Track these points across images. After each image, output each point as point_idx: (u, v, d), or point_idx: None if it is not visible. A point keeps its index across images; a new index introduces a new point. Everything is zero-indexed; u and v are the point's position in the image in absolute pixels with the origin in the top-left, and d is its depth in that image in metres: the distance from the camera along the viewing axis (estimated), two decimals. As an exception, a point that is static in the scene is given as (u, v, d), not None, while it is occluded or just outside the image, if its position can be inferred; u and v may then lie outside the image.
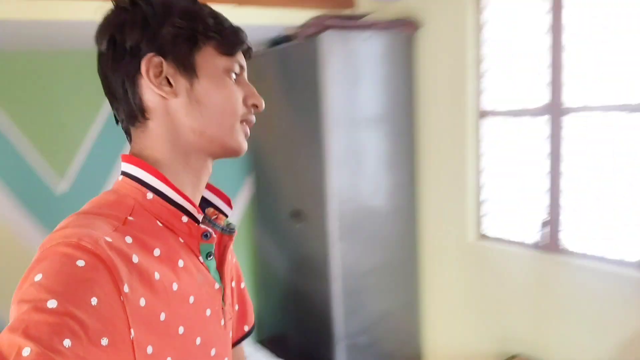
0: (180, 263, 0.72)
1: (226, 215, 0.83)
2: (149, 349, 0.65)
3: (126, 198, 0.72)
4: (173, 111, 0.73)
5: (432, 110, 2.81)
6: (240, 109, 0.77)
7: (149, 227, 0.71)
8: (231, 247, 0.82)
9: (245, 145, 0.78)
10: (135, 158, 0.74)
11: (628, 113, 1.99)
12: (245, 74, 0.79)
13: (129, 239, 0.67)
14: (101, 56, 0.74)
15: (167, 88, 0.72)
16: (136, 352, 0.63)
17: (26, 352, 0.53)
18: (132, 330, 0.63)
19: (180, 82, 0.72)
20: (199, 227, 0.75)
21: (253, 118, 0.79)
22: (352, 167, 2.71)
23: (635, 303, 1.87)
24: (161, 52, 0.71)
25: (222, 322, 0.79)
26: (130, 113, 0.74)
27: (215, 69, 0.74)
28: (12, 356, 0.52)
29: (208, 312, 0.75)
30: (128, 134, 0.77)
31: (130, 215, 0.70)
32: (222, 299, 0.79)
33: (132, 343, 0.63)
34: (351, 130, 2.68)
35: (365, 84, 2.70)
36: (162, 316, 0.66)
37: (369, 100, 2.73)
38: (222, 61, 0.75)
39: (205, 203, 0.83)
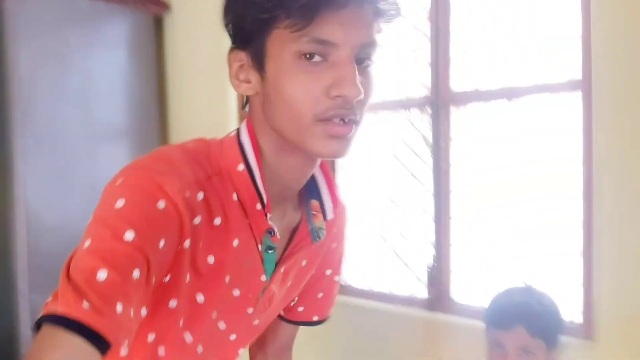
0: (235, 242, 0.73)
1: (325, 218, 0.80)
2: (200, 298, 0.72)
3: (222, 158, 0.73)
4: (257, 106, 0.72)
5: (186, 112, 2.42)
6: (316, 104, 0.65)
7: (224, 196, 0.71)
8: (312, 252, 0.83)
9: (333, 148, 0.68)
10: (252, 125, 0.74)
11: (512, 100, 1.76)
12: (341, 51, 0.64)
13: (200, 195, 0.68)
14: None
15: (245, 85, 0.71)
16: (185, 260, 0.69)
17: (102, 275, 0.57)
18: (169, 276, 0.68)
19: (255, 77, 0.69)
20: (266, 222, 0.73)
21: (344, 112, 0.65)
22: (63, 192, 2.17)
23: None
24: (241, 44, 0.69)
25: (251, 310, 0.80)
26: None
27: (282, 55, 0.65)
28: (88, 276, 0.57)
29: (236, 292, 0.77)
30: None
31: (215, 175, 0.71)
32: (262, 292, 0.79)
33: (184, 252, 0.68)
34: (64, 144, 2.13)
35: (91, 78, 2.21)
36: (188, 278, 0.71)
37: (99, 102, 2.24)
38: (291, 42, 0.64)
39: (314, 195, 0.81)
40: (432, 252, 1.40)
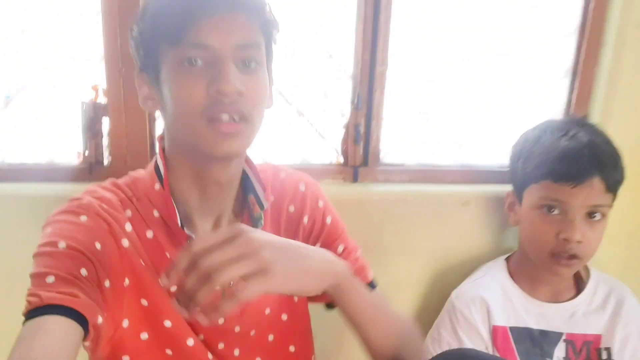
0: (168, 254, 0.76)
1: (262, 207, 0.81)
2: (143, 302, 0.74)
3: (139, 182, 0.79)
4: (164, 119, 0.76)
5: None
6: (199, 103, 0.68)
7: (147, 214, 0.76)
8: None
9: (225, 146, 0.69)
10: (161, 146, 0.78)
11: None
12: (218, 52, 0.68)
13: (128, 212, 0.75)
14: None
15: (149, 102, 0.76)
16: (126, 300, 0.72)
17: (50, 279, 0.62)
18: (126, 279, 0.72)
19: (156, 94, 0.74)
20: (183, 232, 0.76)
21: (224, 107, 0.68)
22: None
23: None
24: (142, 67, 0.75)
25: (222, 321, 0.79)
26: None
27: (168, 65, 0.70)
28: (38, 282, 0.62)
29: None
30: None
31: (135, 198, 0.76)
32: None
33: (125, 291, 0.72)
34: None
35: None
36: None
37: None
38: (174, 52, 0.69)
39: (249, 188, 0.82)
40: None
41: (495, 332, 1.03)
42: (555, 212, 0.98)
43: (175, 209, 0.76)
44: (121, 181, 0.80)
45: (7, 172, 1.08)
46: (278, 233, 0.86)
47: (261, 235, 0.64)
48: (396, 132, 1.20)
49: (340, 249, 0.88)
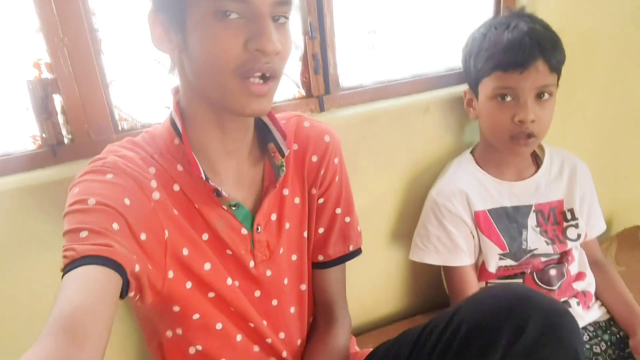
0: (197, 205, 0.77)
1: (282, 155, 0.81)
2: (185, 251, 0.76)
3: (157, 138, 0.78)
4: (182, 66, 0.72)
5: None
6: (233, 59, 0.66)
7: (170, 169, 0.76)
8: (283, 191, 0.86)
9: (254, 106, 0.70)
10: (175, 100, 0.78)
11: None
12: (257, 7, 0.66)
13: (152, 170, 0.75)
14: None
15: (168, 45, 0.71)
16: (168, 252, 0.74)
17: (83, 234, 0.62)
18: (166, 231, 0.73)
19: (176, 38, 0.69)
20: (209, 184, 0.75)
21: (261, 66, 0.67)
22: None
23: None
24: (160, 6, 0.70)
25: (252, 264, 0.82)
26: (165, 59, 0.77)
27: (200, 14, 0.66)
28: (72, 239, 0.62)
29: (229, 252, 0.80)
30: None
31: (157, 154, 0.76)
32: (252, 243, 0.81)
33: (166, 243, 0.73)
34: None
35: None
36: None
37: None
38: (203, 3, 0.65)
39: (269, 137, 0.83)
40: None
41: (477, 217, 1.15)
42: (508, 98, 1.08)
43: (198, 163, 0.76)
44: (139, 139, 0.80)
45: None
46: (302, 180, 0.89)
47: None
48: (349, 55, 1.22)
49: (338, 210, 0.93)
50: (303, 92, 1.20)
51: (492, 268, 1.14)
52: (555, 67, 1.08)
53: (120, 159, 0.73)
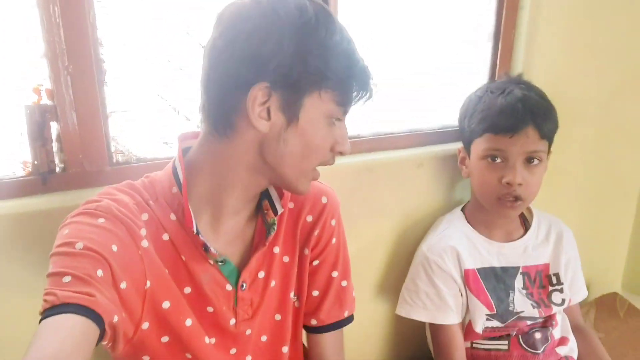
0: (183, 257, 0.76)
1: (275, 213, 0.83)
2: (165, 304, 0.74)
3: (156, 185, 0.78)
4: (253, 139, 0.73)
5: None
6: (325, 156, 0.76)
7: (163, 217, 0.76)
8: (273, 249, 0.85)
9: (309, 189, 0.79)
10: (181, 148, 0.79)
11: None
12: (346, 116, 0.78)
13: (145, 216, 0.74)
14: (214, 44, 0.71)
15: (262, 121, 0.71)
16: (147, 303, 0.72)
17: (66, 279, 0.62)
18: (147, 282, 0.72)
19: (279, 119, 0.71)
20: (198, 238, 0.75)
21: (333, 162, 0.79)
22: None
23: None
24: (275, 85, 0.69)
25: (233, 322, 0.81)
26: (214, 117, 0.74)
27: (318, 114, 0.72)
28: (55, 283, 0.61)
29: (210, 309, 0.79)
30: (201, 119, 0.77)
31: (152, 200, 0.76)
32: (235, 300, 0.80)
33: (146, 293, 0.72)
34: None
35: None
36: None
37: None
38: (330, 108, 0.73)
39: (264, 194, 0.84)
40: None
41: (467, 275, 1.15)
42: (498, 160, 1.11)
43: (192, 216, 0.75)
44: (138, 183, 0.79)
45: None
46: (294, 239, 0.88)
47: None
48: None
49: (334, 274, 0.92)
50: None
51: (478, 328, 1.14)
52: (546, 135, 1.11)
53: (114, 204, 0.72)
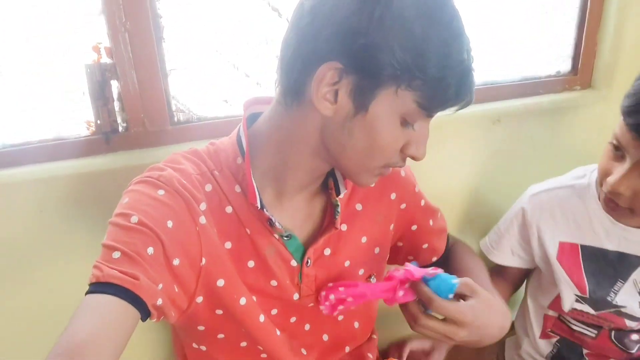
0: (248, 231, 0.74)
1: (338, 193, 0.78)
2: (220, 282, 0.72)
3: (221, 153, 0.75)
4: (317, 121, 0.67)
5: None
6: (392, 157, 0.68)
7: (228, 188, 0.73)
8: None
9: (372, 183, 0.75)
10: (246, 116, 0.75)
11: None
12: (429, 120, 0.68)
13: (208, 187, 0.72)
14: (302, 2, 0.64)
15: (326, 103, 0.63)
16: (201, 279, 0.71)
17: (116, 255, 0.62)
18: (203, 259, 0.70)
19: (346, 105, 0.63)
20: (263, 213, 0.72)
21: (403, 164, 0.71)
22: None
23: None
24: (349, 68, 0.60)
25: (296, 296, 0.79)
26: (285, 84, 0.67)
27: (391, 110, 0.63)
28: (105, 259, 0.62)
29: (274, 282, 0.77)
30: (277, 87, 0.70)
31: (217, 170, 0.73)
32: (300, 277, 0.78)
33: (201, 270, 0.70)
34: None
35: None
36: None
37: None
38: (408, 108, 0.63)
39: (330, 173, 0.79)
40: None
41: (562, 248, 1.01)
42: (619, 153, 0.86)
43: (255, 190, 0.71)
44: (204, 150, 0.76)
45: (10, 154, 0.95)
46: (375, 221, 0.85)
47: (472, 318, 0.71)
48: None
49: (431, 222, 0.93)
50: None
51: (566, 306, 1.03)
52: None
53: (177, 175, 0.70)
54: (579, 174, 1.03)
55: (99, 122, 0.97)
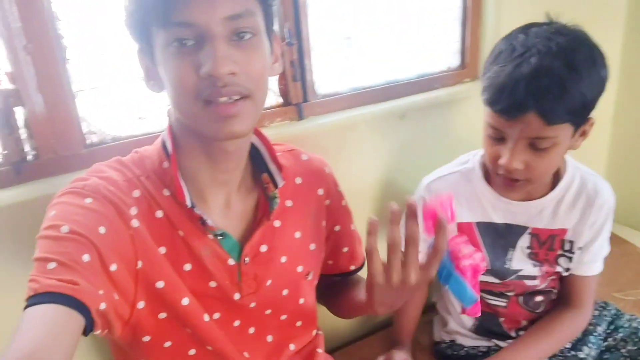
0: (181, 233, 0.73)
1: (275, 186, 0.79)
2: (159, 284, 0.71)
3: (146, 160, 0.75)
4: None
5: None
6: (192, 87, 0.65)
7: (156, 193, 0.72)
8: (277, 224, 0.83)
9: (225, 129, 0.67)
10: (170, 122, 0.75)
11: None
12: (205, 29, 0.63)
13: (136, 193, 0.71)
14: None
15: (152, 82, 0.71)
16: (140, 282, 0.70)
17: (51, 265, 0.60)
18: (139, 262, 0.69)
19: (155, 75, 0.70)
20: (193, 212, 0.72)
21: (219, 91, 0.64)
22: None
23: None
24: (139, 45, 0.70)
25: (237, 296, 0.79)
26: None
27: (160, 47, 0.66)
28: (40, 270, 0.60)
29: (212, 284, 0.76)
30: None
31: (144, 176, 0.73)
32: (239, 275, 0.78)
33: (138, 273, 0.70)
34: None
35: None
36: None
37: None
38: (161, 34, 0.65)
39: (264, 168, 0.81)
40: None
41: (460, 228, 1.08)
42: (499, 136, 0.94)
43: (184, 189, 0.73)
44: (127, 159, 0.76)
45: None
46: (306, 216, 0.87)
47: None
48: (325, 62, 1.20)
49: (352, 226, 0.97)
50: (280, 100, 1.16)
51: None
52: (556, 119, 0.88)
53: (103, 182, 0.70)
54: (463, 160, 1.13)
55: (6, 152, 0.91)
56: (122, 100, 1.03)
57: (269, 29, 0.71)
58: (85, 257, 0.63)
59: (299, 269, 0.88)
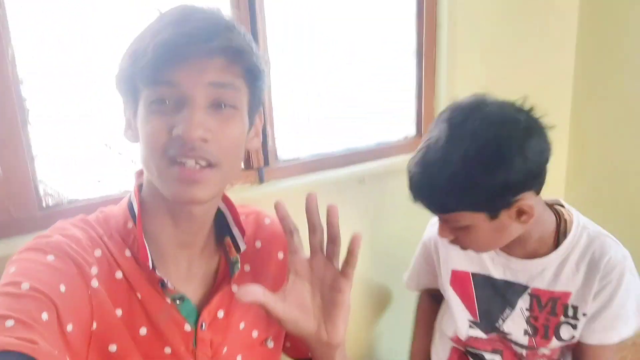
0: (139, 295, 0.72)
1: (238, 250, 0.79)
2: (112, 347, 0.69)
3: (111, 220, 0.75)
4: None
5: None
6: (161, 143, 0.65)
7: (117, 253, 0.72)
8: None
9: (186, 193, 0.66)
10: (137, 183, 0.76)
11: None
12: (185, 92, 0.65)
13: (98, 252, 0.71)
14: None
15: (129, 133, 0.73)
16: (92, 345, 0.68)
17: (9, 323, 0.57)
18: (94, 323, 0.68)
19: (135, 128, 0.71)
20: (155, 275, 0.71)
21: (186, 152, 0.64)
22: None
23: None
24: (124, 102, 0.72)
25: None
26: None
27: (143, 104, 0.67)
28: None
29: (168, 350, 0.74)
30: None
31: (106, 236, 0.73)
32: (195, 342, 0.75)
33: (91, 335, 0.68)
34: None
35: None
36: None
37: None
38: (146, 92, 0.67)
39: (227, 231, 0.80)
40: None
41: (454, 275, 1.04)
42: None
43: (147, 251, 0.72)
44: (92, 218, 0.75)
45: None
46: (264, 280, 0.85)
47: None
48: (285, 128, 1.25)
49: None
50: (242, 164, 1.18)
51: (462, 333, 1.06)
52: (450, 210, 0.89)
53: (66, 240, 0.69)
54: None
55: (-43, 214, 0.90)
56: (82, 163, 1.04)
57: (252, 107, 0.73)
58: (44, 316, 0.61)
59: (254, 334, 0.86)
